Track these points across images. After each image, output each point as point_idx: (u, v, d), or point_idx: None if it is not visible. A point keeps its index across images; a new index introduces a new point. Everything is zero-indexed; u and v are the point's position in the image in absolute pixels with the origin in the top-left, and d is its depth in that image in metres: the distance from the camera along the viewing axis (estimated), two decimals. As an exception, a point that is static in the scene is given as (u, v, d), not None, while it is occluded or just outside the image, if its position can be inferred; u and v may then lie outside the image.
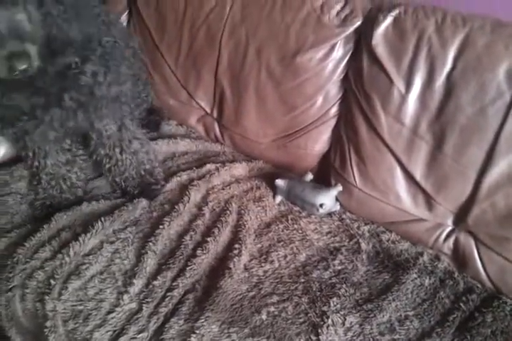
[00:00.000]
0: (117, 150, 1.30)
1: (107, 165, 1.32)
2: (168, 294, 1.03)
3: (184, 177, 1.34)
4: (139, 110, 1.49)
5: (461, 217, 1.12)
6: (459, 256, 1.15)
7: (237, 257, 1.10)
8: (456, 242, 1.15)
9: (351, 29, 1.23)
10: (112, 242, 1.14)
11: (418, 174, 1.15)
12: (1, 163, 1.40)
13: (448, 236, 1.16)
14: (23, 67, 0.90)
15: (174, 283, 1.05)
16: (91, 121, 1.21)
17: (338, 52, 1.25)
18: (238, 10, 1.35)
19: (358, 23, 1.22)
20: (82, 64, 1.06)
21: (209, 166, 1.37)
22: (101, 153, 1.31)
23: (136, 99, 1.45)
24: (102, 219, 1.17)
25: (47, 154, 1.24)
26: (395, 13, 1.15)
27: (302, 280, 1.08)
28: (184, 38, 1.45)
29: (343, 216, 1.27)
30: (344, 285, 1.06)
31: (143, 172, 1.33)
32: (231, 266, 1.08)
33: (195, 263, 1.08)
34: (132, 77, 1.34)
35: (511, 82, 1.02)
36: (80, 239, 1.11)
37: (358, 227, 1.23)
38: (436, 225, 1.17)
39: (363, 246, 1.17)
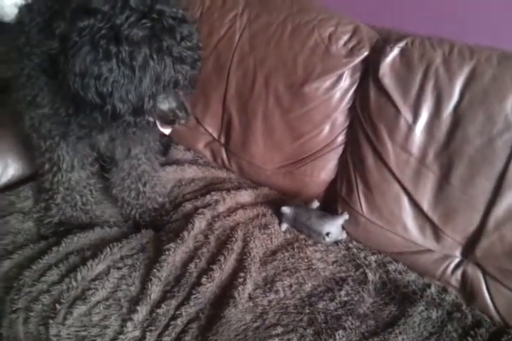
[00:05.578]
0: (141, 182, 1.32)
1: (127, 199, 1.33)
2: (172, 323, 1.02)
3: (189, 206, 1.34)
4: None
5: (469, 248, 1.11)
6: (467, 289, 1.13)
7: (241, 286, 1.09)
8: (464, 274, 1.13)
9: (358, 59, 1.25)
10: (119, 268, 1.14)
11: (425, 204, 1.14)
12: (9, 184, 1.42)
13: (456, 268, 1.14)
14: (183, 121, 1.02)
15: (178, 312, 1.04)
16: (129, 147, 1.26)
17: (346, 81, 1.27)
18: (247, 39, 1.37)
19: (365, 54, 1.24)
20: None
21: (214, 194, 1.37)
22: (124, 185, 1.32)
23: None
24: (111, 245, 1.17)
25: (73, 168, 1.26)
26: (402, 44, 1.16)
27: (307, 311, 1.07)
28: (194, 66, 1.47)
29: (350, 245, 1.26)
30: (350, 317, 1.05)
31: (156, 206, 1.34)
32: (235, 295, 1.07)
33: (199, 292, 1.07)
34: None
35: (519, 114, 1.02)
36: (88, 263, 1.11)
37: (365, 257, 1.22)
38: (444, 256, 1.16)
39: (370, 276, 1.16)
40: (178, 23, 0.93)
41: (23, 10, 1.03)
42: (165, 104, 1.01)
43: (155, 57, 0.91)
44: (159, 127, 1.06)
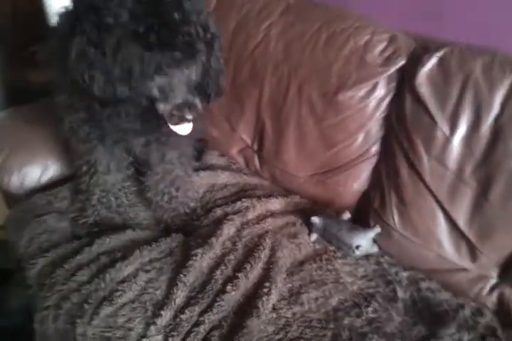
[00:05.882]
0: (174, 186, 1.33)
1: (161, 203, 1.35)
2: (194, 329, 1.01)
3: (220, 212, 1.34)
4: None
5: (507, 269, 1.05)
6: (503, 312, 1.07)
7: (266, 296, 1.07)
8: (501, 297, 1.07)
9: (394, 68, 1.21)
10: (147, 271, 1.15)
11: (461, 221, 1.09)
12: (49, 183, 1.47)
13: (492, 289, 1.08)
14: (191, 117, 0.98)
15: (201, 318, 1.03)
16: (164, 152, 1.28)
17: (381, 91, 1.24)
18: (282, 47, 1.37)
19: (402, 63, 1.21)
20: None
21: (245, 200, 1.36)
22: (158, 189, 1.34)
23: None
24: (141, 247, 1.18)
25: (109, 171, 1.29)
26: (440, 53, 1.12)
27: (332, 326, 1.03)
28: (229, 73, 1.48)
29: (381, 259, 1.22)
30: (376, 336, 1.00)
31: (188, 211, 1.35)
32: (259, 305, 1.05)
33: (223, 300, 1.07)
34: None
35: None
36: (118, 265, 1.13)
37: (396, 273, 1.17)
38: (480, 276, 1.10)
39: (400, 294, 1.11)
40: (177, 9, 0.89)
41: (63, 16, 1.06)
42: (164, 100, 0.98)
43: (124, 41, 0.89)
44: (170, 126, 1.03)
